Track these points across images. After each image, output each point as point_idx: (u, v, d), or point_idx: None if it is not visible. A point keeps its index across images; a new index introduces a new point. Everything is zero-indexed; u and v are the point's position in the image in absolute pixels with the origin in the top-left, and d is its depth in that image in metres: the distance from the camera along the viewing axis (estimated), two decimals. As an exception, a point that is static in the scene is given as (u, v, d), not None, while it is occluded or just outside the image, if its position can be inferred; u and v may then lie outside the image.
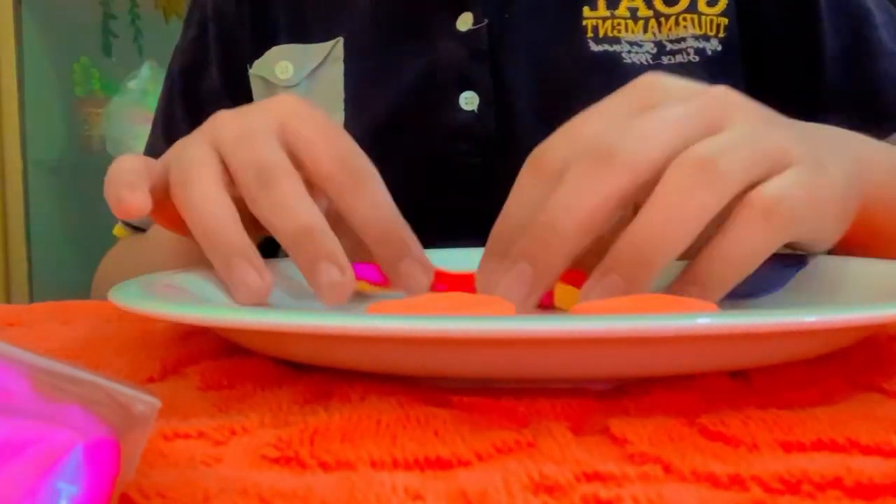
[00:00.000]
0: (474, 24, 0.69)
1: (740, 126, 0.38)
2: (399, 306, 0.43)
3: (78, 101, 2.25)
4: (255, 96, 0.76)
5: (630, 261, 0.36)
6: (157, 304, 0.36)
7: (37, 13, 2.11)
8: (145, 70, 2.15)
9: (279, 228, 0.42)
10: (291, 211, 0.42)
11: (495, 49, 0.69)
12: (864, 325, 0.35)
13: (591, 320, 0.30)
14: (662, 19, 0.66)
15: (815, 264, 0.48)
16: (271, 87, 0.74)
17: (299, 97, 0.47)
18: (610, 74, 0.65)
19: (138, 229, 0.80)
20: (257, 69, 0.75)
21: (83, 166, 2.28)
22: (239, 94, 0.75)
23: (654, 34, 0.66)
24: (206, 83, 0.78)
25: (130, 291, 0.39)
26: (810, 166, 0.39)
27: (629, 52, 0.66)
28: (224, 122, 0.46)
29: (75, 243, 2.22)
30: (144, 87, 2.13)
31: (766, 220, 0.37)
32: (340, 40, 0.72)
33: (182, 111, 0.79)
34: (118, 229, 0.82)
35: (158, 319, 0.45)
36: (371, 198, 0.44)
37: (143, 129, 2.08)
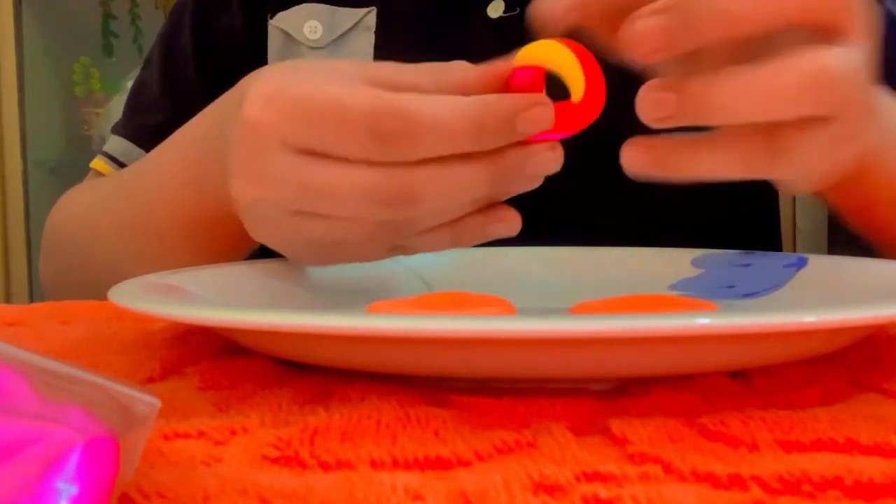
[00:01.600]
0: (505, 11, 0.69)
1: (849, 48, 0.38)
2: (399, 306, 0.43)
3: (78, 101, 2.25)
4: (270, 48, 0.74)
5: None
6: (157, 304, 0.36)
7: (37, 13, 2.11)
8: (145, 70, 2.15)
9: (448, 132, 0.40)
10: (441, 120, 0.40)
11: (527, 40, 0.69)
12: (864, 325, 0.35)
13: (591, 320, 0.30)
14: None
15: (815, 264, 0.48)
16: (293, 44, 0.73)
17: (269, 84, 0.44)
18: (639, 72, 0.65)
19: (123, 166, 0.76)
20: (280, 21, 0.74)
21: (83, 166, 2.27)
22: (256, 41, 0.74)
23: None
24: (223, 20, 0.76)
25: (130, 291, 0.39)
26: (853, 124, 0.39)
27: None
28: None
29: (75, 243, 2.21)
30: (144, 86, 2.13)
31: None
32: (373, 10, 0.72)
33: (191, 45, 0.76)
34: (100, 163, 0.77)
35: (158, 319, 0.45)
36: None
37: (143, 129, 2.08)
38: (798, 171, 0.40)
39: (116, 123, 0.78)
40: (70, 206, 0.74)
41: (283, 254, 0.48)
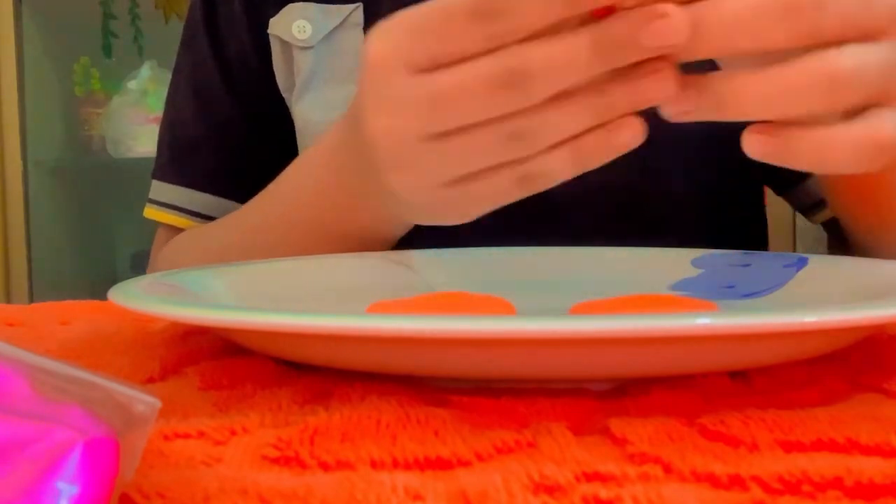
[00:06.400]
0: None
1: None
2: (399, 306, 0.43)
3: (78, 101, 2.25)
4: (274, 59, 0.74)
5: None
6: (157, 304, 0.36)
7: (37, 13, 2.11)
8: (145, 70, 2.15)
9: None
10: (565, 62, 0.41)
11: None
12: (864, 325, 0.35)
13: (591, 320, 0.30)
14: None
15: (815, 264, 0.48)
16: (287, 48, 0.73)
17: None
18: None
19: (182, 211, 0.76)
20: (274, 28, 0.74)
21: (83, 166, 2.27)
22: (264, 56, 0.74)
23: None
24: (234, 42, 0.76)
25: (130, 291, 0.39)
26: None
27: None
28: None
29: (75, 243, 2.22)
30: (144, 87, 2.13)
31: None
32: (360, 6, 0.71)
33: (218, 73, 0.76)
34: (169, 217, 0.77)
35: (158, 319, 0.45)
36: None
37: (143, 129, 2.09)
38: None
39: (163, 170, 0.78)
40: (179, 248, 0.74)
41: (418, 205, 0.48)
